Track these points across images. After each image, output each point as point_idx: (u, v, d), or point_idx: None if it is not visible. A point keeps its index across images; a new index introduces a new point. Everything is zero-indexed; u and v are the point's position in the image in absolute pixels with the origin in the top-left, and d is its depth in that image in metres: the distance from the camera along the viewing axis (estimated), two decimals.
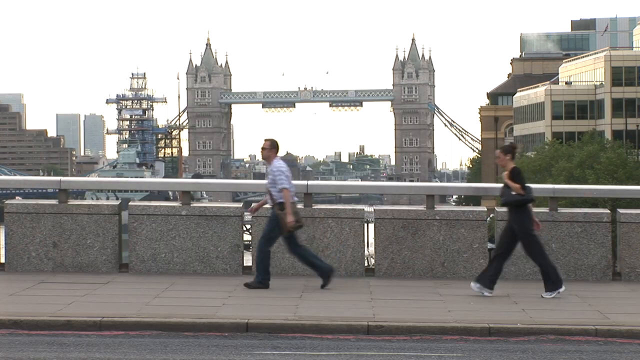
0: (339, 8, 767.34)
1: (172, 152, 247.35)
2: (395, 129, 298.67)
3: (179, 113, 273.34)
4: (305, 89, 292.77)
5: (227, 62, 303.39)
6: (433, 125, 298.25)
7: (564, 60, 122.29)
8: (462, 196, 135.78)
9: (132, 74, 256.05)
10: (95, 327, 13.63)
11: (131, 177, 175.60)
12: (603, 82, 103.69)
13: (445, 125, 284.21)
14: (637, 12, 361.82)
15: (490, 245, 20.16)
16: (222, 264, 18.24)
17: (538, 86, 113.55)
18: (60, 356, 12.14)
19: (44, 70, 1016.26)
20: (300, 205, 18.53)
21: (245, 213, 18.68)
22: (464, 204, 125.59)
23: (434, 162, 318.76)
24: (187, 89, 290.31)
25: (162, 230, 18.25)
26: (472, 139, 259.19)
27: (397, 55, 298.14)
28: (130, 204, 18.51)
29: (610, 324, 14.05)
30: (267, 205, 17.37)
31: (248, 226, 21.76)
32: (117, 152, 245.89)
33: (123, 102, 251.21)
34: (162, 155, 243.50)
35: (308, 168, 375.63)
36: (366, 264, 18.67)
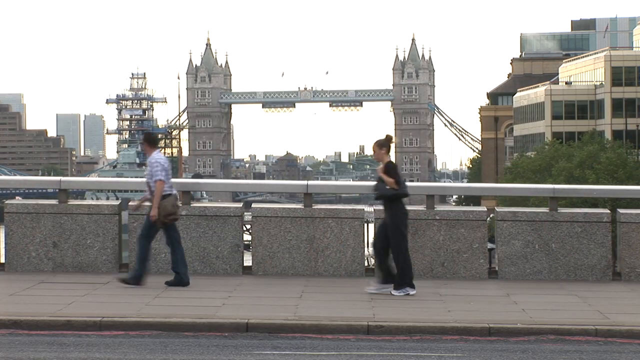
0: (339, 8, 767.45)
1: (172, 152, 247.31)
2: (395, 129, 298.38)
3: (179, 113, 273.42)
4: (305, 89, 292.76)
5: (227, 62, 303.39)
6: (433, 125, 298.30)
7: (564, 60, 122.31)
8: (462, 196, 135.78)
9: (132, 74, 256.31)
10: (95, 327, 13.63)
11: (131, 177, 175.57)
12: (603, 82, 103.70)
13: (445, 125, 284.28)
14: (637, 12, 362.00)
15: (490, 245, 20.17)
16: (222, 264, 18.23)
17: (538, 86, 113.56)
18: (60, 356, 12.14)
19: (44, 70, 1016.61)
20: (299, 205, 18.53)
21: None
22: (464, 204, 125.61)
23: (434, 162, 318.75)
24: (187, 89, 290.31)
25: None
26: (472, 139, 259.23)
27: (397, 55, 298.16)
28: (130, 204, 18.50)
29: (610, 324, 14.05)
30: (148, 203, 17.25)
31: (248, 226, 21.77)
32: (117, 152, 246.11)
33: (123, 102, 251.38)
34: None
35: (308, 168, 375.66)
36: (366, 264, 18.67)
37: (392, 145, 16.72)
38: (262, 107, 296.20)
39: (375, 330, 13.66)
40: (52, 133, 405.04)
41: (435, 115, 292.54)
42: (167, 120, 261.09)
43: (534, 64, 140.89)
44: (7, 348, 12.52)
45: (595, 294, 16.85)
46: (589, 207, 22.97)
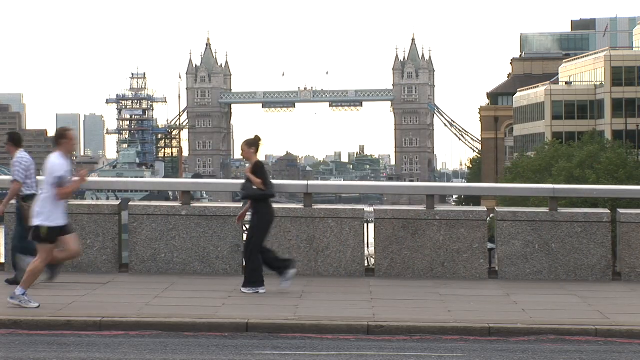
0: (339, 8, 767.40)
1: (172, 152, 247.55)
2: (395, 129, 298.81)
3: (179, 113, 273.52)
4: (305, 89, 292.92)
5: (227, 62, 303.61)
6: (433, 125, 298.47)
7: (564, 60, 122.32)
8: (462, 196, 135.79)
9: (132, 74, 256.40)
10: (95, 327, 13.63)
11: (131, 177, 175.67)
12: (603, 82, 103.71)
13: (445, 125, 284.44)
14: (637, 12, 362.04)
15: (490, 245, 20.18)
16: (222, 264, 18.24)
17: (538, 86, 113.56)
18: (60, 356, 12.14)
19: (44, 70, 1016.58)
20: (299, 205, 18.53)
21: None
22: (464, 204, 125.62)
23: (434, 162, 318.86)
24: (187, 89, 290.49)
25: (162, 230, 18.25)
26: (472, 139, 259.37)
27: (397, 55, 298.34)
28: (130, 204, 18.51)
29: (610, 324, 14.05)
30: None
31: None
32: (117, 152, 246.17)
33: (123, 102, 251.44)
34: (162, 155, 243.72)
35: (308, 168, 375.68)
36: (366, 264, 18.67)
37: (260, 145, 16.77)
38: (262, 107, 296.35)
39: (375, 330, 13.66)
40: (52, 133, 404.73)
41: (435, 115, 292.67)
42: (167, 120, 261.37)
43: (534, 64, 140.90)
44: (7, 348, 12.53)
45: (595, 294, 16.86)
46: (589, 207, 22.97)
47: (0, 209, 17.00)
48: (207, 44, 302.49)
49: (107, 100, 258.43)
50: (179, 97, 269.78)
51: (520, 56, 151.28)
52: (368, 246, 19.87)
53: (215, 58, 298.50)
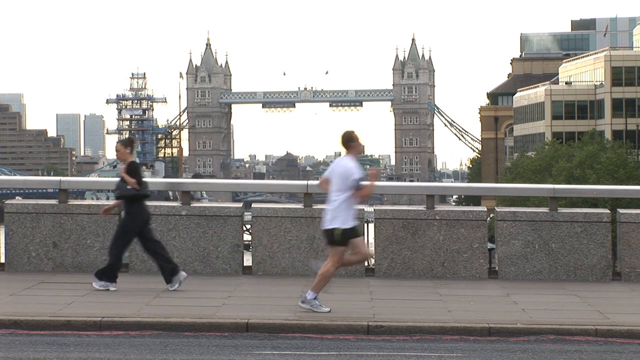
0: (339, 8, 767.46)
1: (172, 152, 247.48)
2: (395, 129, 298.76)
3: (179, 113, 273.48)
4: (305, 89, 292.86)
5: (227, 62, 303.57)
6: (433, 125, 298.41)
7: (564, 60, 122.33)
8: (462, 196, 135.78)
9: (132, 74, 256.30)
10: (95, 327, 13.63)
11: None
12: (603, 82, 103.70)
13: (445, 125, 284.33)
14: (637, 12, 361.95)
15: (490, 245, 20.17)
16: (222, 264, 18.24)
17: (538, 86, 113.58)
18: (60, 356, 12.14)
19: (44, 70, 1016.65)
20: (299, 205, 18.54)
21: None
22: (464, 204, 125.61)
23: (434, 162, 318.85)
24: (187, 89, 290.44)
25: (162, 230, 18.24)
26: (472, 139, 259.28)
27: (397, 55, 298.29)
28: None
29: (610, 324, 14.05)
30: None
31: (248, 226, 21.76)
32: None
33: (123, 102, 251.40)
34: (162, 155, 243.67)
35: (308, 168, 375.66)
36: (366, 264, 18.67)
37: (135, 145, 16.77)
38: (262, 107, 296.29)
39: (375, 330, 13.66)
40: (52, 133, 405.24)
41: (435, 115, 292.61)
42: (167, 120, 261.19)
43: (534, 64, 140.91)
44: (7, 348, 12.52)
45: (595, 294, 16.86)
46: (589, 207, 22.97)
47: None
48: (207, 44, 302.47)
49: (107, 100, 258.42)
50: (179, 97, 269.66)
51: (520, 56, 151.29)
52: (368, 246, 19.88)
53: (215, 58, 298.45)
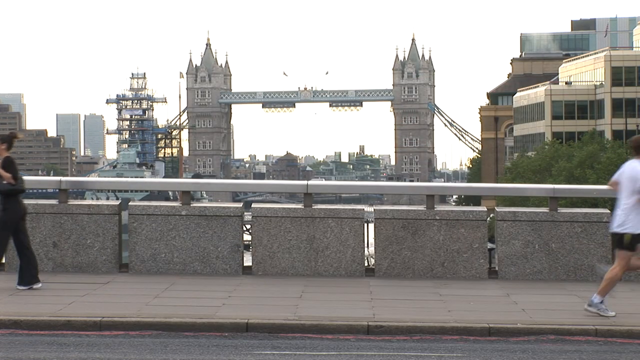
0: (339, 8, 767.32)
1: (172, 152, 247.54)
2: (395, 129, 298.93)
3: (179, 113, 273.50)
4: (305, 89, 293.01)
5: (227, 62, 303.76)
6: (433, 125, 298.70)
7: (564, 60, 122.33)
8: (462, 196, 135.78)
9: (132, 74, 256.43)
10: (95, 327, 13.63)
11: (131, 177, 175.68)
12: (603, 82, 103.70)
13: (445, 125, 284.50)
14: (637, 12, 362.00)
15: (490, 245, 20.17)
16: (222, 264, 18.24)
17: (538, 86, 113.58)
18: (60, 356, 12.14)
19: (44, 70, 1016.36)
20: (299, 205, 18.54)
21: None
22: (464, 204, 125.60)
23: (434, 162, 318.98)
24: (187, 89, 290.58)
25: (162, 230, 18.25)
26: (472, 139, 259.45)
27: (397, 55, 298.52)
28: (130, 204, 18.51)
29: (610, 324, 14.05)
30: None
31: (248, 226, 21.76)
32: (117, 152, 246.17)
33: (123, 102, 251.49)
34: (162, 155, 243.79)
35: (308, 168, 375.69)
36: (366, 264, 18.67)
37: (14, 141, 16.84)
38: (262, 107, 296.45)
39: (375, 330, 13.65)
40: (52, 133, 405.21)
41: (435, 115, 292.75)
42: (167, 120, 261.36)
43: (534, 64, 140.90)
44: (7, 348, 12.52)
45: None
46: (589, 207, 22.96)
47: None
48: (207, 44, 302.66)
49: (107, 100, 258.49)
50: (179, 97, 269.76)
51: (520, 56, 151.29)
52: (368, 246, 19.88)
53: (215, 58, 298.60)
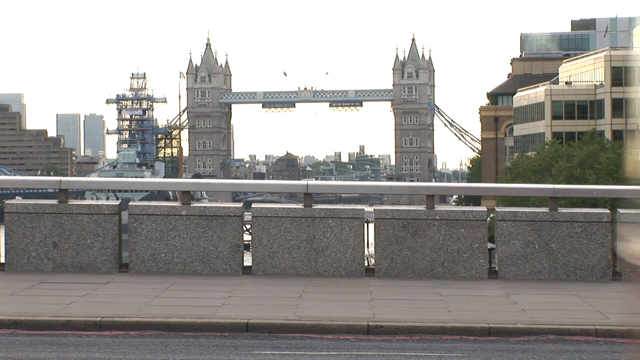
0: (339, 8, 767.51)
1: (172, 152, 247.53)
2: (395, 129, 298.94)
3: (179, 113, 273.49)
4: (305, 89, 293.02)
5: (227, 62, 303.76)
6: (433, 125, 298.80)
7: (564, 60, 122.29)
8: (462, 196, 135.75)
9: (132, 74, 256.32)
10: (95, 327, 13.63)
11: (131, 177, 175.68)
12: (603, 82, 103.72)
13: (445, 125, 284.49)
14: (637, 12, 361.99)
15: (490, 245, 20.16)
16: (222, 264, 18.23)
17: (538, 86, 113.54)
18: (60, 356, 12.14)
19: (44, 70, 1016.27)
20: (299, 205, 18.54)
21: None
22: (464, 204, 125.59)
23: (434, 162, 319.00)
24: (187, 89, 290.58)
25: (162, 230, 18.25)
26: (472, 139, 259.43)
27: (397, 55, 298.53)
28: (130, 204, 18.51)
29: (610, 324, 14.05)
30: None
31: (248, 226, 21.76)
32: (117, 152, 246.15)
33: (123, 102, 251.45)
34: (162, 155, 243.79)
35: (308, 168, 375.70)
36: (366, 264, 18.67)
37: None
38: (262, 107, 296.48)
39: (375, 330, 13.66)
40: (52, 133, 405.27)
41: (435, 115, 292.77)
42: (167, 120, 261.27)
43: (534, 64, 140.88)
44: (7, 348, 12.52)
45: (595, 294, 16.85)
46: (589, 207, 22.97)
47: None
48: (207, 44, 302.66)
49: (107, 100, 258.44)
50: (179, 97, 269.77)
51: (520, 56, 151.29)
52: (368, 246, 19.89)
53: (215, 58, 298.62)
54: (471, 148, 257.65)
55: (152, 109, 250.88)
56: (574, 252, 18.09)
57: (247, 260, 18.40)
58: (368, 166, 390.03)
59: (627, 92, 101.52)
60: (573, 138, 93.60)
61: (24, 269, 18.19)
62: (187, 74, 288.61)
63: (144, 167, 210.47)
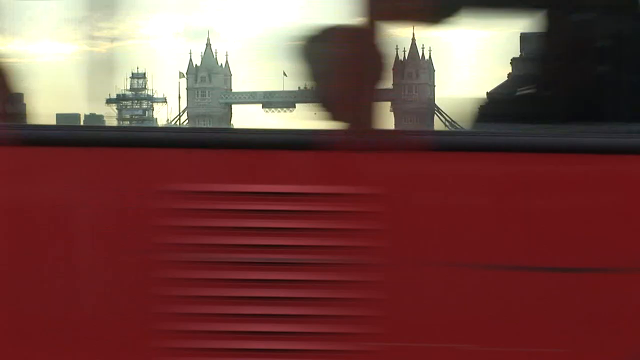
0: None
1: None
2: None
3: (179, 113, 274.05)
4: (306, 89, 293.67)
5: (227, 62, 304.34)
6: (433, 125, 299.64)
7: None
8: None
9: (132, 74, 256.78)
10: None
11: None
12: None
13: (445, 125, 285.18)
14: None
15: None
16: None
17: None
18: None
19: None
20: None
21: None
22: None
23: None
24: (187, 89, 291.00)
25: None
26: None
27: (397, 55, 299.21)
28: None
29: None
30: None
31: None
32: None
33: (123, 102, 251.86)
34: None
35: None
36: None
37: None
38: (262, 107, 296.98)
39: None
40: None
41: (435, 115, 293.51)
42: (167, 120, 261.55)
43: None
44: None
45: None
46: None
47: None
48: (207, 44, 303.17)
49: (107, 100, 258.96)
50: (179, 97, 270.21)
51: (521, 56, 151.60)
52: None
53: (216, 58, 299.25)
54: None
55: (152, 109, 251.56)
56: None
57: None
58: None
59: None
60: None
61: None
62: (187, 73, 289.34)
63: None
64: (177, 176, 3.65)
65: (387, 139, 3.77)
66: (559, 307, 3.66)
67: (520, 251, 3.63)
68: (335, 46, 4.18)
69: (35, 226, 3.62)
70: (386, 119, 3.90)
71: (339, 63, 4.16)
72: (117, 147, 3.67)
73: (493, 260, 3.63)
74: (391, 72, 4.23)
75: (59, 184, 3.64)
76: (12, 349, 3.65)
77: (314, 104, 4.28)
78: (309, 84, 4.44)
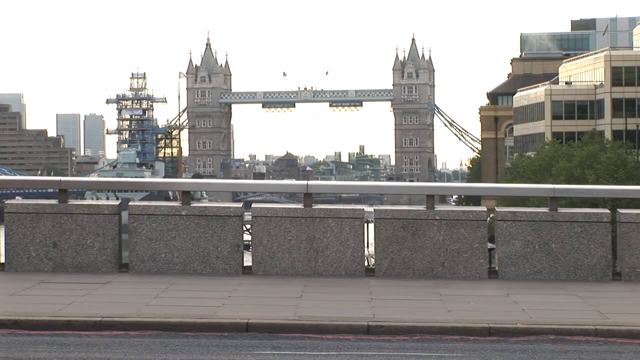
0: (339, 8, 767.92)
1: (172, 152, 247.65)
2: (395, 129, 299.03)
3: (179, 113, 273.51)
4: (305, 89, 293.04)
5: (227, 62, 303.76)
6: (433, 125, 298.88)
7: (564, 60, 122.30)
8: (462, 196, 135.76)
9: (132, 74, 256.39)
10: (95, 327, 13.63)
11: (131, 177, 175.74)
12: (603, 82, 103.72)
13: (445, 125, 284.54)
14: (637, 12, 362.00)
15: (490, 245, 20.16)
16: (222, 264, 18.24)
17: (538, 86, 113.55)
18: (60, 356, 12.14)
19: (44, 70, 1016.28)
20: (299, 205, 18.54)
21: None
22: (464, 204, 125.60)
23: (434, 162, 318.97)
24: (187, 89, 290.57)
25: (162, 230, 18.25)
26: (472, 139, 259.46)
27: (397, 55, 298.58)
28: (130, 204, 18.51)
29: (610, 324, 14.05)
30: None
31: (248, 226, 21.75)
32: (117, 152, 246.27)
33: (123, 102, 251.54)
34: (162, 155, 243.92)
35: (308, 168, 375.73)
36: (366, 264, 18.67)
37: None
38: (262, 107, 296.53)
39: (375, 330, 13.66)
40: (52, 133, 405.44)
41: (435, 115, 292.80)
42: (167, 120, 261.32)
43: (534, 64, 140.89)
44: (7, 348, 12.52)
45: (595, 294, 16.86)
46: (589, 207, 22.98)
47: None
48: (207, 44, 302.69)
49: (107, 100, 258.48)
50: (179, 97, 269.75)
51: (520, 56, 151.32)
52: (368, 246, 19.89)
53: (215, 58, 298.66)
54: (471, 148, 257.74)
55: (152, 109, 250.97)
56: (574, 252, 18.09)
57: (247, 260, 18.41)
58: (368, 166, 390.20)
59: (627, 92, 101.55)
60: (573, 138, 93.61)
61: (24, 269, 18.19)
62: (187, 74, 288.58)
63: (144, 167, 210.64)
64: None
65: None
66: None
67: None
68: None
69: None
70: None
71: None
72: None
73: None
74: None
75: None
76: None
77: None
78: None
